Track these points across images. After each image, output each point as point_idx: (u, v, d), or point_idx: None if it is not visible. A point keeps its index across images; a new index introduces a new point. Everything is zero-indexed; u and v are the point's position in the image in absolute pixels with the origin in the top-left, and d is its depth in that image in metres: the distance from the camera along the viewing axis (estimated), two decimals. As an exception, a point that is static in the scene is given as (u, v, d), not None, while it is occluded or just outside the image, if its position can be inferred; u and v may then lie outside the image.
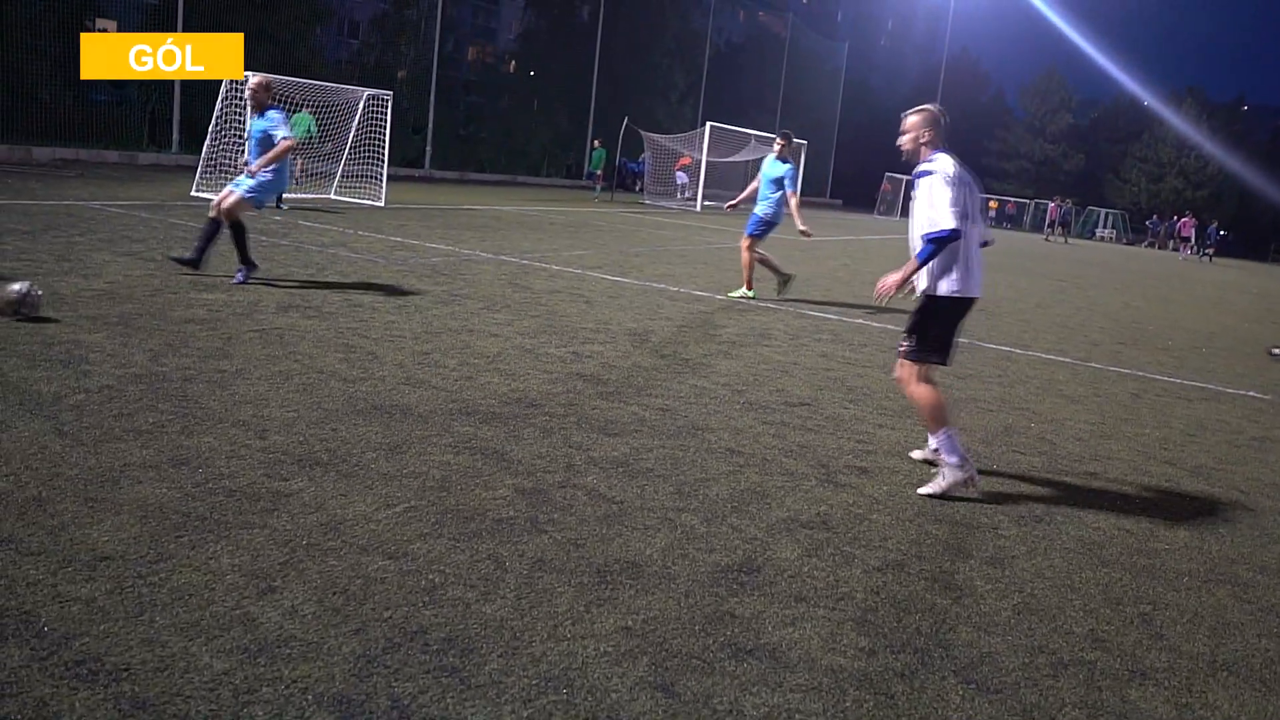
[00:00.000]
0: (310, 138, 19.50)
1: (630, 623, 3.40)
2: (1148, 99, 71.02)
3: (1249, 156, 63.94)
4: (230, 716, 2.62)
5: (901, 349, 5.42)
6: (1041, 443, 6.64)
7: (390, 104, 20.80)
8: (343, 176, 20.75)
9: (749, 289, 12.32)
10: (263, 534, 3.77)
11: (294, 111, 18.76)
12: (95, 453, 4.40)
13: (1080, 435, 6.98)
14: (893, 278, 5.28)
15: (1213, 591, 4.37)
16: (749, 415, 6.40)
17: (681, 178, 37.91)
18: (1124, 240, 59.35)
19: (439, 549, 3.81)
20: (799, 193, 11.77)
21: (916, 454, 5.89)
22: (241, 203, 9.10)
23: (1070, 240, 49.88)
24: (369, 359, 6.68)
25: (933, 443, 5.43)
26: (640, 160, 39.81)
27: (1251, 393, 9.60)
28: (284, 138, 9.14)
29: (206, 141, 17.86)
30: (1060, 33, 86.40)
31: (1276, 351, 12.51)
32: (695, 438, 5.74)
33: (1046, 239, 47.26)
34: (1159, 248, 52.82)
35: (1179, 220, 50.45)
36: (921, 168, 5.30)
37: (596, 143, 35.44)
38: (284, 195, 16.61)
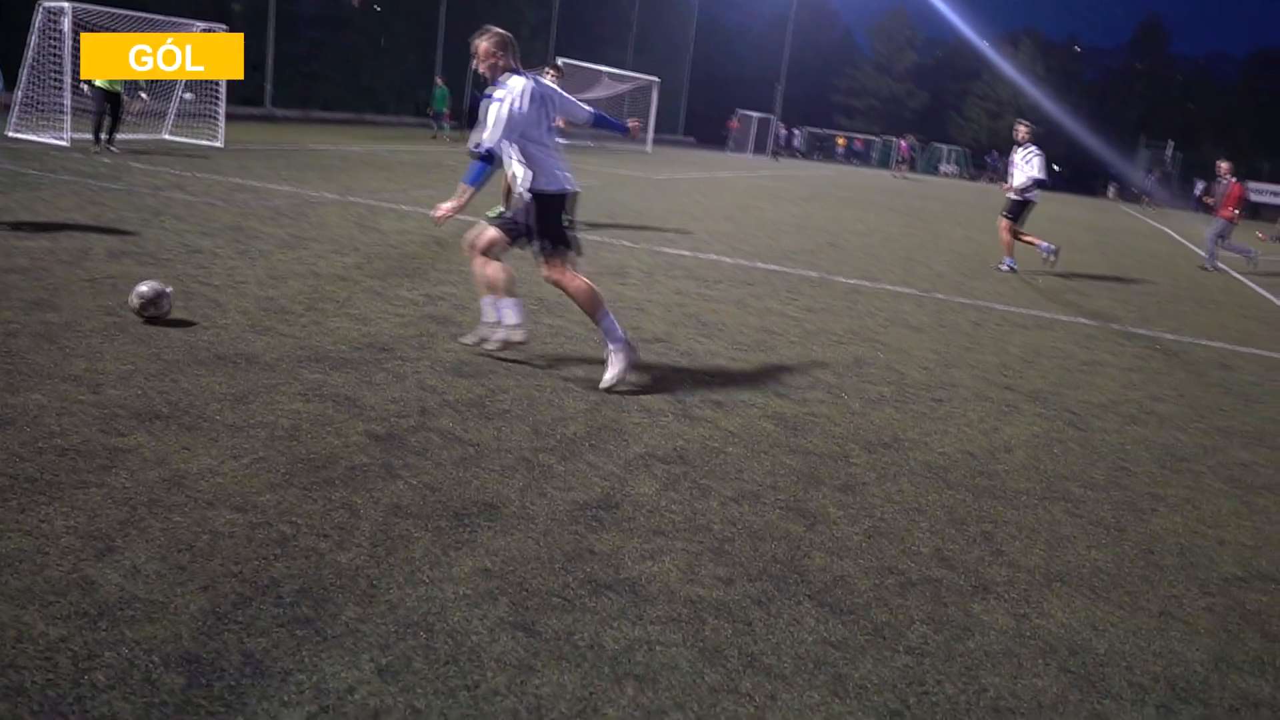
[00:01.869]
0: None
1: (489, 564, 3.38)
2: (987, 40, 73.33)
3: (1081, 95, 66.83)
4: (70, 684, 2.50)
5: (537, 254, 5.78)
6: (889, 372, 6.85)
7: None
8: (176, 116, 19.70)
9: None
10: (100, 493, 3.58)
11: None
12: (-92, 413, 4.10)
13: (926, 364, 7.24)
14: (447, 205, 5.70)
15: (1048, 508, 4.61)
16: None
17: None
18: (966, 175, 61.42)
19: (290, 499, 3.70)
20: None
21: (469, 339, 6.11)
22: None
23: (913, 176, 51.37)
24: (210, 307, 6.40)
25: (496, 315, 5.89)
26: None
27: (1082, 319, 10.12)
28: None
29: (22, 79, 16.66)
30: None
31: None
32: (551, 376, 5.71)
33: (894, 175, 48.60)
34: (997, 183, 54.93)
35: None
36: (496, 92, 5.57)
37: (439, 80, 34.56)
38: (114, 136, 15.65)
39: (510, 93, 5.49)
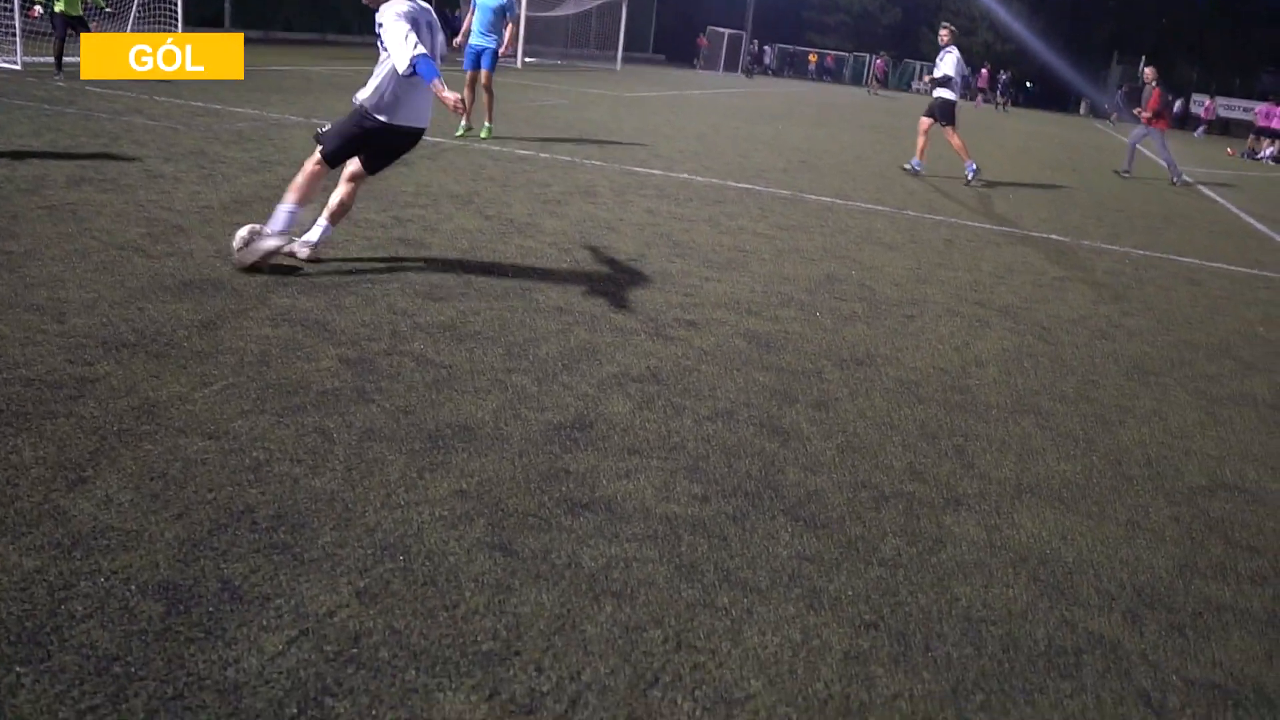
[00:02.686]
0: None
1: (465, 485, 3.39)
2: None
3: (1055, 12, 66.20)
4: (47, 614, 2.49)
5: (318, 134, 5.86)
6: (862, 289, 6.86)
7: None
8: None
9: (490, 122, 12.84)
10: (69, 423, 3.54)
11: None
12: None
13: (898, 280, 7.25)
14: (454, 96, 5.39)
15: (1018, 421, 4.66)
16: (576, 273, 6.37)
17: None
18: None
19: (262, 425, 3.68)
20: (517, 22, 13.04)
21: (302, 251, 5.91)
22: None
23: (886, 93, 51.04)
24: (175, 232, 6.29)
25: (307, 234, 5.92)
26: (456, 16, 38.13)
27: (1054, 235, 10.14)
28: None
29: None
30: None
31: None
32: (523, 298, 5.68)
33: (870, 92, 48.33)
34: (970, 99, 54.71)
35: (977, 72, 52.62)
36: (379, 17, 5.56)
37: None
38: (64, 60, 15.14)
39: (390, 14, 5.44)
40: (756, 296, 6.33)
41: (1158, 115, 17.51)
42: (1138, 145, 18.38)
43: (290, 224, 5.68)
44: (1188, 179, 17.73)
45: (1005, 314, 6.65)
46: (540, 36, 37.74)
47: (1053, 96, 57.78)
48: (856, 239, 8.75)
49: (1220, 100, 51.75)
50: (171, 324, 4.64)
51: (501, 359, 4.65)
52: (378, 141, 5.78)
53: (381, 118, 5.66)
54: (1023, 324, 6.44)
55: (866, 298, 6.64)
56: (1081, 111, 53.17)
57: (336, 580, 2.77)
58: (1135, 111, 18.29)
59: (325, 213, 5.94)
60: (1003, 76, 50.72)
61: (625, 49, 43.02)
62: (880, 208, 10.79)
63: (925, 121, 14.13)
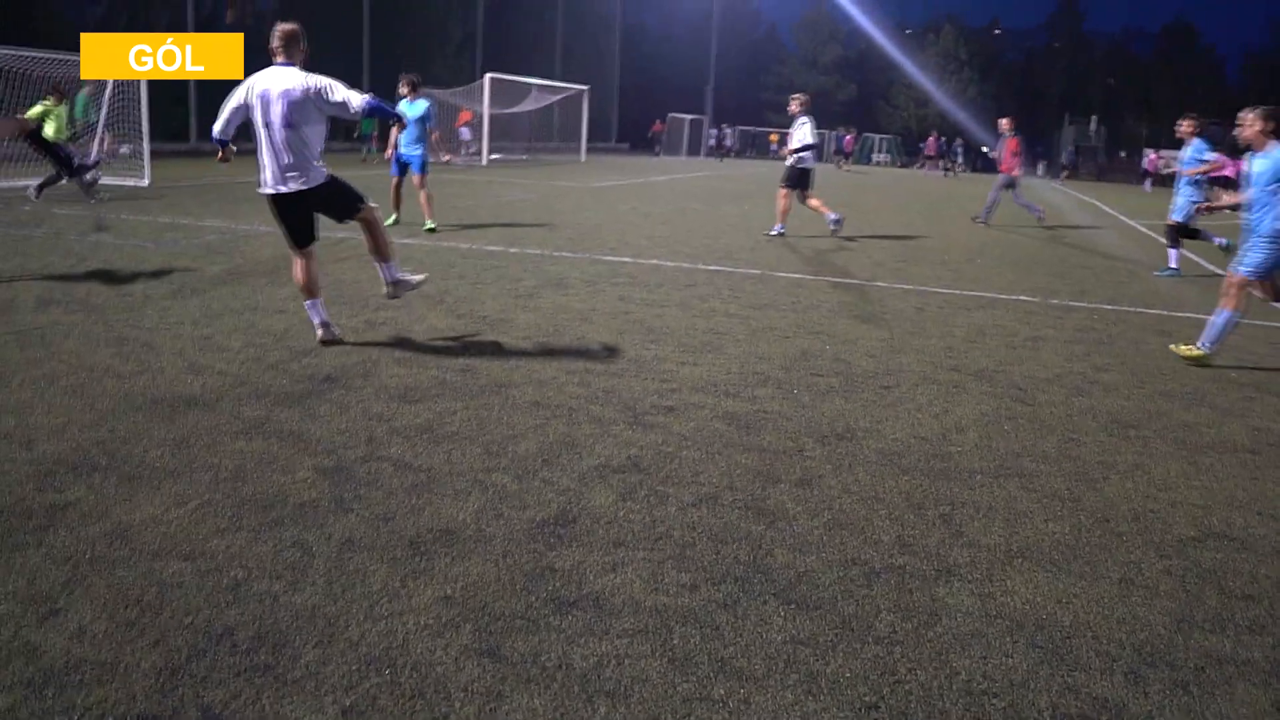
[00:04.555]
0: (87, 119, 17.78)
1: (449, 591, 3.32)
2: (909, 28, 74.30)
3: (1005, 76, 67.99)
4: (18, 754, 2.40)
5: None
6: (837, 363, 6.87)
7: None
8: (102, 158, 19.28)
9: (430, 220, 13.42)
10: (39, 553, 3.47)
11: (73, 91, 17.05)
12: None
13: (872, 352, 7.27)
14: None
15: (1002, 485, 4.64)
16: (552, 366, 6.36)
17: (465, 133, 37.12)
18: (898, 163, 62.15)
19: (239, 543, 3.61)
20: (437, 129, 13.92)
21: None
22: None
23: (856, 169, 51.97)
24: (145, 350, 6.26)
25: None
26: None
27: (1022, 296, 10.24)
28: None
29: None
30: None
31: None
32: (499, 395, 5.65)
33: (839, 168, 49.30)
34: (919, 168, 55.87)
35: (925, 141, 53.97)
36: None
37: None
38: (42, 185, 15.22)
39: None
40: (733, 377, 6.33)
41: (1014, 163, 18.95)
42: (1019, 197, 19.45)
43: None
44: (983, 221, 19.10)
45: (981, 378, 6.67)
46: (505, 132, 38.31)
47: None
48: (828, 313, 8.80)
49: (1168, 153, 53.03)
50: (143, 444, 4.58)
51: (480, 458, 4.61)
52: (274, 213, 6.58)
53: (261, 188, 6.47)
54: (999, 386, 6.46)
55: (842, 371, 6.66)
56: (1039, 173, 54.21)
57: (321, 700, 2.69)
58: (994, 157, 19.83)
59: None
60: (956, 145, 51.92)
61: (590, 139, 43.71)
62: (849, 280, 10.88)
63: (784, 190, 14.99)
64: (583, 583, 3.44)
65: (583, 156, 41.82)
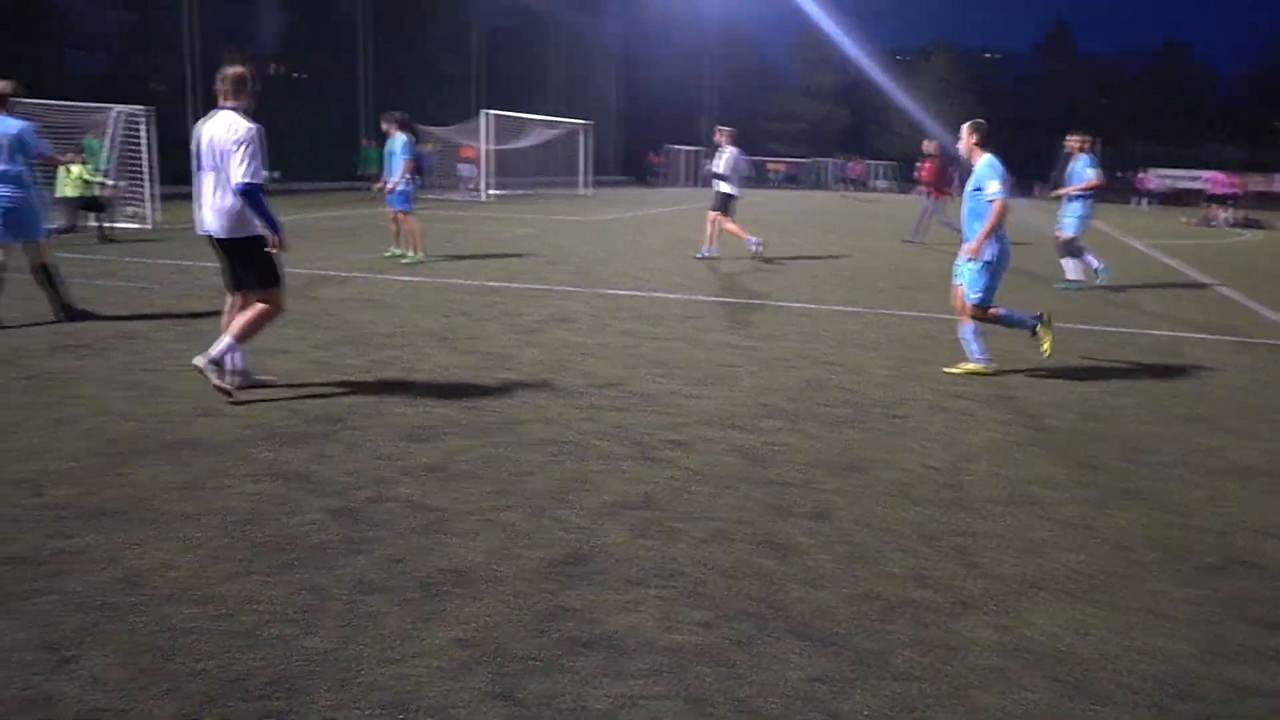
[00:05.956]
0: (97, 167, 17.87)
1: (463, 633, 3.29)
2: (902, 54, 74.86)
3: (1002, 100, 68.36)
4: (31, 809, 2.37)
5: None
6: (846, 393, 6.85)
7: (151, 119, 19.48)
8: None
9: (417, 253, 14.00)
10: (51, 600, 3.44)
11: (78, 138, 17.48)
12: None
13: (881, 381, 7.25)
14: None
15: (1016, 514, 4.60)
16: (560, 402, 6.34)
17: (466, 170, 37.28)
18: (897, 189, 62.36)
19: (251, 587, 3.59)
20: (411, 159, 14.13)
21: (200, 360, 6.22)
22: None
23: (862, 196, 52.22)
24: (154, 393, 6.25)
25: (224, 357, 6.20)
26: (422, 153, 38.78)
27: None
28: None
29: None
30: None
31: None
32: (508, 432, 5.63)
33: (844, 196, 49.78)
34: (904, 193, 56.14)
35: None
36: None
37: (365, 142, 34.42)
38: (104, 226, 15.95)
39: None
40: (741, 410, 6.31)
41: (935, 185, 20.16)
42: (935, 216, 20.39)
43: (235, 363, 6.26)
44: (913, 241, 20.22)
45: (991, 405, 6.64)
46: (506, 168, 38.46)
47: (1016, 181, 59.33)
48: (834, 343, 8.79)
49: (1169, 172, 53.24)
50: (154, 488, 4.56)
51: (491, 497, 4.58)
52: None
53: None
54: (1009, 413, 6.43)
55: (852, 401, 6.63)
56: (1036, 194, 54.32)
57: (336, 747, 2.66)
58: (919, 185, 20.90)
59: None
60: (952, 170, 52.00)
61: (592, 172, 43.87)
62: (855, 309, 10.87)
63: (712, 214, 15.82)
64: (597, 622, 3.40)
65: (584, 190, 41.97)
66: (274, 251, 6.13)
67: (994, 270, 7.48)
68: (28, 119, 8.91)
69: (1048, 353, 7.76)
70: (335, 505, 4.42)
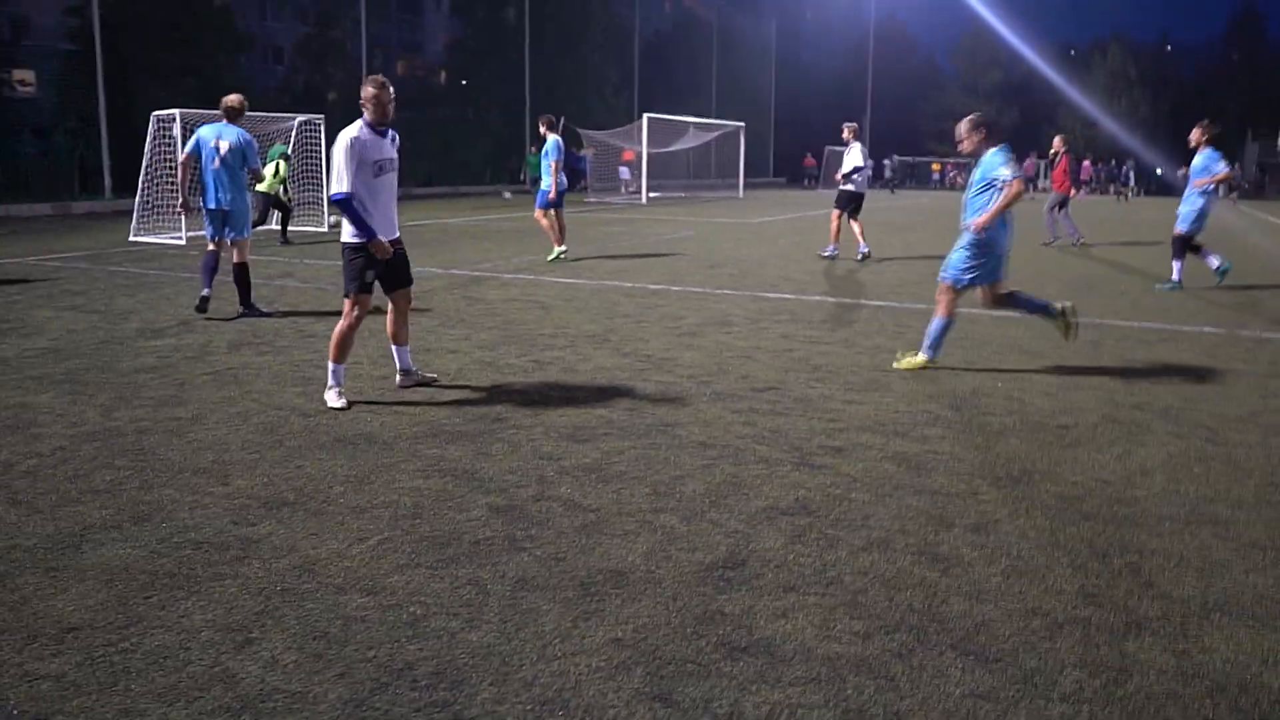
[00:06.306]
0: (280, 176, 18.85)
1: (620, 633, 3.34)
2: (1074, 49, 72.00)
3: (1179, 94, 64.99)
4: (218, 781, 2.53)
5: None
6: (1010, 401, 6.64)
7: (324, 127, 20.45)
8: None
9: (561, 245, 14.66)
10: (235, 584, 3.66)
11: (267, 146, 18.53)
12: (53, 519, 4.26)
13: (1048, 390, 7.00)
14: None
15: (1195, 533, 4.37)
16: (717, 405, 6.35)
17: (625, 173, 37.78)
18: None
19: (417, 579, 3.73)
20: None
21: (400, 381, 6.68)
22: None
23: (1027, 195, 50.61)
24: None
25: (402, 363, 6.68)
26: (582, 156, 39.46)
27: (1206, 329, 9.69)
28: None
29: (140, 185, 17.52)
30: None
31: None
32: (665, 434, 5.68)
33: (1031, 198, 48.23)
34: (1100, 193, 53.66)
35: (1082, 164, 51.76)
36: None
37: (533, 149, 35.23)
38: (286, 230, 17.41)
39: (339, 143, 6.25)
40: (901, 416, 6.19)
41: (1065, 180, 19.43)
42: (1065, 215, 19.78)
43: (339, 380, 6.27)
44: (1074, 241, 19.42)
45: (1165, 416, 6.32)
46: (663, 171, 38.79)
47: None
48: (999, 349, 8.53)
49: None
50: (328, 480, 4.79)
51: (648, 499, 4.63)
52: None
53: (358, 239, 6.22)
54: (1186, 426, 6.11)
55: (1016, 410, 6.42)
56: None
57: (498, 739, 2.73)
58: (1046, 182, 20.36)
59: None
60: (1128, 167, 49.74)
61: (746, 175, 43.78)
62: (1019, 315, 10.50)
63: (836, 213, 15.72)
64: (753, 628, 3.40)
65: (740, 193, 41.89)
66: (358, 260, 6.28)
67: (980, 254, 7.36)
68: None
69: (1069, 339, 7.76)
70: (498, 502, 4.54)
